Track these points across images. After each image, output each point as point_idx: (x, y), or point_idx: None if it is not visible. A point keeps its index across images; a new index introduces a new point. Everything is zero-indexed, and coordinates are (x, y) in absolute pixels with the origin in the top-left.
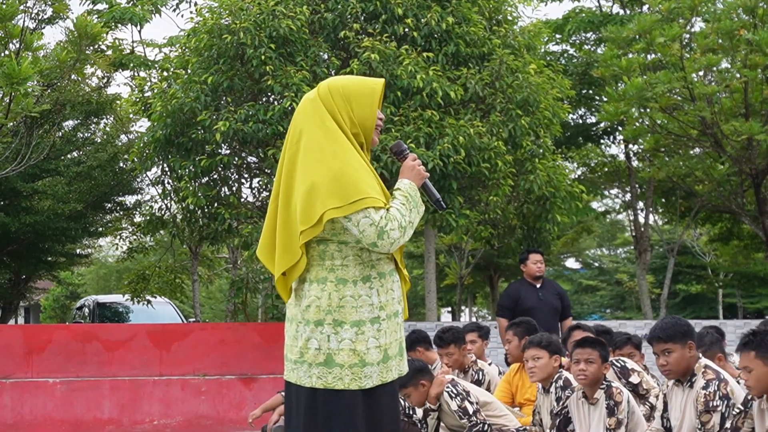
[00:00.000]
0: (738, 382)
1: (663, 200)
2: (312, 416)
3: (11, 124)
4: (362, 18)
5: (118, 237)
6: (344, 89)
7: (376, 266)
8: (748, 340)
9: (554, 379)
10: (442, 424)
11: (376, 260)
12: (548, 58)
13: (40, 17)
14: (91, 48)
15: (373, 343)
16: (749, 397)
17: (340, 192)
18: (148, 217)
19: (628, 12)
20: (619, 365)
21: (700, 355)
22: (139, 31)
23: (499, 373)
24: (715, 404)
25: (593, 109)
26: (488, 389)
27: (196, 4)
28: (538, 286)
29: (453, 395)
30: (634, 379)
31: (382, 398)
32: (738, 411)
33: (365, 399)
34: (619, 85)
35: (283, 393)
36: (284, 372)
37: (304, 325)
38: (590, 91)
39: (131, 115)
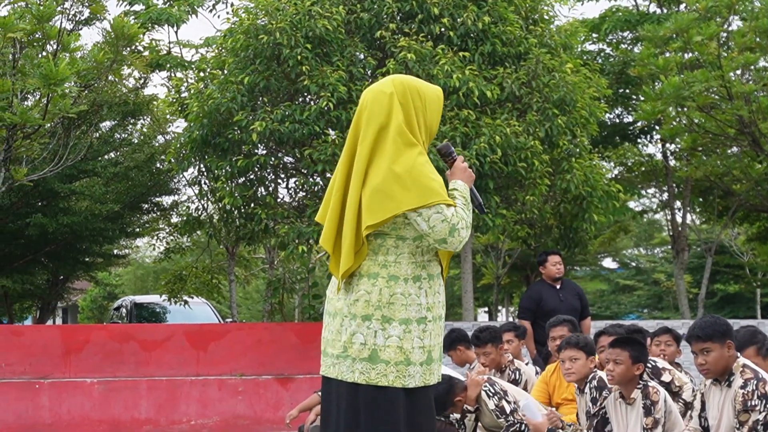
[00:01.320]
0: None
1: (700, 199)
2: (354, 412)
3: (49, 125)
4: (398, 18)
5: (155, 237)
6: (420, 92)
7: (427, 267)
8: None
9: (588, 379)
10: (479, 423)
11: (428, 261)
12: (585, 57)
13: (77, 18)
14: (128, 49)
15: (418, 343)
16: None
17: (417, 191)
18: (184, 218)
19: (665, 11)
20: (650, 365)
21: (738, 354)
22: (176, 32)
23: (536, 372)
24: (753, 404)
25: (630, 109)
26: (525, 389)
27: (232, 4)
28: (558, 287)
29: (490, 394)
30: (666, 377)
31: (422, 400)
32: None
33: (407, 398)
34: (656, 84)
35: (320, 392)
36: (321, 367)
37: (350, 319)
38: (627, 90)
39: (168, 116)
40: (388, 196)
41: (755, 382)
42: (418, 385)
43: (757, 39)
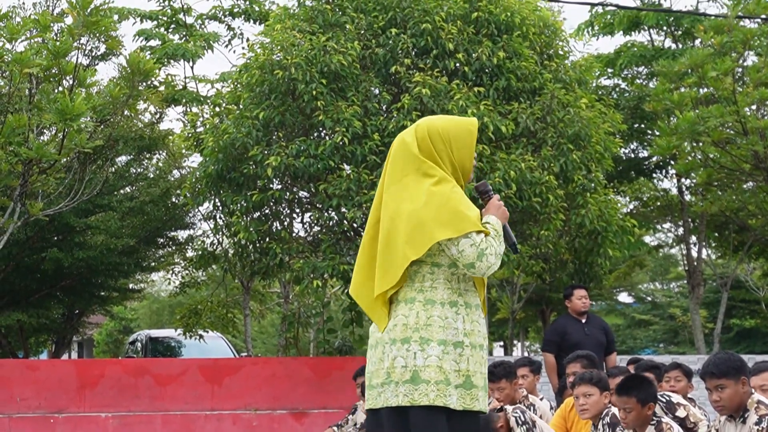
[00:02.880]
0: None
1: (716, 234)
2: None
3: (64, 160)
4: (413, 53)
5: (171, 272)
6: (444, 132)
7: (464, 295)
8: None
9: (602, 416)
10: None
11: (464, 290)
12: (600, 92)
13: (93, 54)
14: (144, 84)
15: (454, 366)
16: None
17: (451, 222)
18: (199, 252)
19: (680, 46)
20: (664, 400)
21: (753, 390)
22: (192, 67)
23: (551, 408)
24: None
25: (645, 143)
26: None
27: (248, 40)
28: (583, 321)
29: (520, 422)
30: (681, 413)
31: (464, 426)
32: None
33: (450, 419)
34: (671, 119)
35: (334, 428)
36: (367, 403)
37: (390, 344)
38: (642, 125)
39: (183, 151)
40: (424, 227)
41: None
42: (457, 407)
43: None
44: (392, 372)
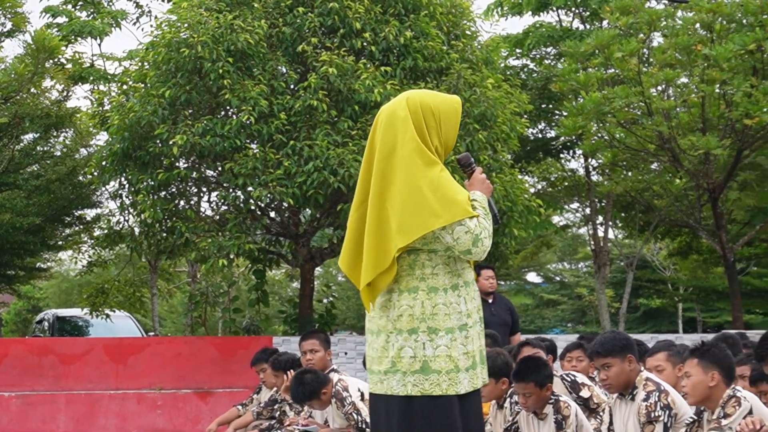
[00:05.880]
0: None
1: (622, 214)
2: (408, 424)
3: None
4: (320, 32)
5: (78, 251)
6: (435, 109)
7: (462, 275)
8: (695, 348)
9: (508, 394)
10: None
11: (462, 269)
12: (508, 73)
13: None
14: (51, 61)
15: (462, 350)
16: (701, 408)
17: (444, 209)
18: (106, 231)
19: (588, 27)
20: (569, 380)
21: (642, 368)
22: (99, 45)
23: None
24: (656, 414)
25: (553, 124)
26: None
27: (156, 17)
28: (490, 301)
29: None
30: (585, 393)
31: (472, 405)
32: (691, 420)
33: (460, 405)
34: (578, 99)
35: (239, 407)
36: (369, 385)
37: (396, 334)
38: (550, 106)
39: (90, 129)
40: (416, 215)
41: (657, 393)
42: (468, 390)
43: (677, 56)
44: (398, 361)
